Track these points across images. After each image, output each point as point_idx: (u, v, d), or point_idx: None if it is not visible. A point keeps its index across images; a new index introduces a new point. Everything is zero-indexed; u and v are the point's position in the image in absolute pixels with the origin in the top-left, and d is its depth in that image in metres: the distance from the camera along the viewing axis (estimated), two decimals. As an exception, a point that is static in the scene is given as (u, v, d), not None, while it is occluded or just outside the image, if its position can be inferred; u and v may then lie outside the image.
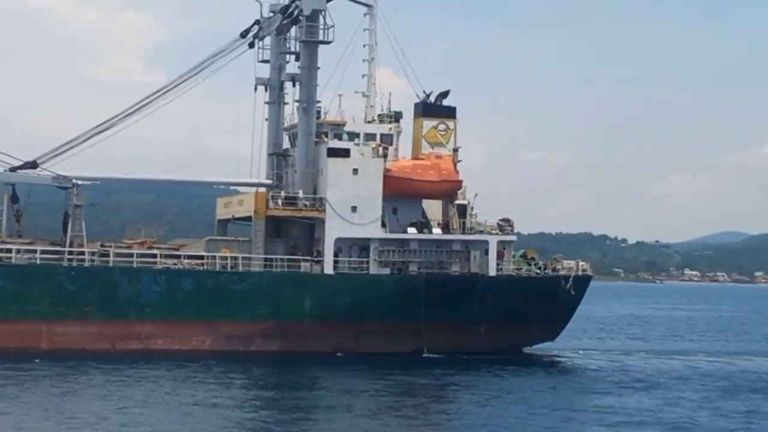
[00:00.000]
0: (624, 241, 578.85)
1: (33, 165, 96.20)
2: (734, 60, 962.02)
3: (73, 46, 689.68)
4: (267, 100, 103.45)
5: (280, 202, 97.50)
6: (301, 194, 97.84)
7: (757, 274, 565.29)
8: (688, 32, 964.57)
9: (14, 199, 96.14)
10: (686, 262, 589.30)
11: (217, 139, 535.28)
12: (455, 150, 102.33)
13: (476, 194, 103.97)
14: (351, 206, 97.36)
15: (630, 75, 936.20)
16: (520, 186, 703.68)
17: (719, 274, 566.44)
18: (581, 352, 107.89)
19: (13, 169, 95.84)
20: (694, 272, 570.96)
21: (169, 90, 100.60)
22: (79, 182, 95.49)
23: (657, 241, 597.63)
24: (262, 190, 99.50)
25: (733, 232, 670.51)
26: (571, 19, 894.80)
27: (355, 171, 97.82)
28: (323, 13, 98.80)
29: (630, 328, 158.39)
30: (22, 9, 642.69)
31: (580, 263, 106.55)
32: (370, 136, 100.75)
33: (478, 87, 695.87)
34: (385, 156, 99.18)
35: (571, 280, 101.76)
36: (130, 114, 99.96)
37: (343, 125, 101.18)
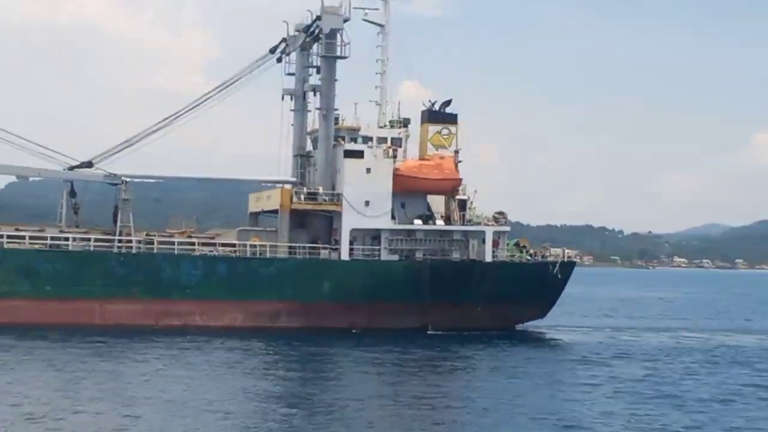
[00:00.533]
0: (621, 232, 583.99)
1: (89, 164, 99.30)
2: (715, 75, 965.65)
3: (145, 60, 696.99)
4: (292, 108, 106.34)
5: (302, 197, 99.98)
6: (320, 190, 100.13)
7: (737, 261, 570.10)
8: (685, 41, 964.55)
9: (72, 194, 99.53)
10: (675, 250, 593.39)
11: (248, 141, 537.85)
12: (456, 152, 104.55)
13: (475, 190, 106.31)
14: (364, 201, 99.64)
15: (629, 84, 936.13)
16: (531, 183, 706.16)
17: (704, 261, 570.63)
18: (585, 329, 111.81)
19: (71, 168, 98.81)
20: (682, 260, 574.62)
21: (208, 98, 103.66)
22: (127, 179, 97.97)
23: (650, 232, 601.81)
24: (288, 186, 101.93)
25: (716, 224, 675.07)
26: (575, 35, 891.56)
27: (368, 170, 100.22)
28: (340, 31, 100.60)
29: (623, 308, 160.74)
30: (101, 30, 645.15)
31: (566, 251, 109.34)
32: (381, 140, 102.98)
33: (493, 95, 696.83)
34: (394, 157, 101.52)
35: (557, 265, 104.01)
36: (176, 119, 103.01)
37: (358, 130, 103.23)
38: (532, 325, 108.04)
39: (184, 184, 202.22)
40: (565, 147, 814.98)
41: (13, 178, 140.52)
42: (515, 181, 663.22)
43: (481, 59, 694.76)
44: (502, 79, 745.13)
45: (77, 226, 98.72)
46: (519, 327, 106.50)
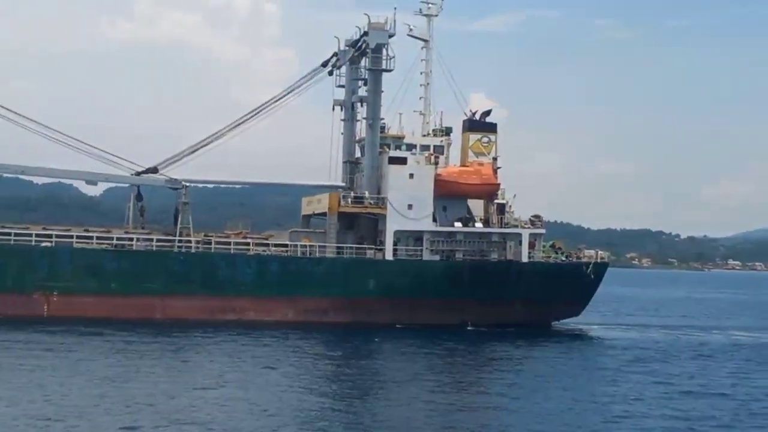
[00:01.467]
0: (677, 236, 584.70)
1: (154, 170, 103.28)
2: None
3: (228, 76, 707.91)
4: (342, 117, 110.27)
5: (349, 200, 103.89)
6: (366, 194, 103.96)
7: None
8: (739, 48, 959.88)
9: (139, 197, 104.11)
10: (730, 253, 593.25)
11: (302, 148, 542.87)
12: (494, 159, 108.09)
13: (515, 195, 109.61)
14: (407, 204, 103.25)
15: (689, 100, 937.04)
16: (593, 191, 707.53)
17: (757, 264, 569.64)
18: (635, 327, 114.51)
19: (138, 174, 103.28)
20: (736, 262, 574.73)
21: (267, 108, 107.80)
22: (188, 184, 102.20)
23: (705, 236, 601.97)
24: (336, 191, 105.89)
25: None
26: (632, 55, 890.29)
27: (411, 175, 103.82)
28: (386, 46, 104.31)
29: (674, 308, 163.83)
30: (188, 48, 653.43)
31: (599, 252, 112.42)
32: (424, 147, 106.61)
33: (557, 108, 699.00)
34: (436, 163, 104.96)
35: (591, 266, 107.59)
36: (236, 126, 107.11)
37: (403, 138, 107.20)
38: (572, 322, 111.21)
39: (266, 189, 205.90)
40: (624, 156, 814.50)
41: (111, 185, 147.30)
42: (577, 189, 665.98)
43: (544, 74, 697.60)
44: (565, 92, 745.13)
45: (143, 228, 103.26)
46: (555, 324, 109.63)
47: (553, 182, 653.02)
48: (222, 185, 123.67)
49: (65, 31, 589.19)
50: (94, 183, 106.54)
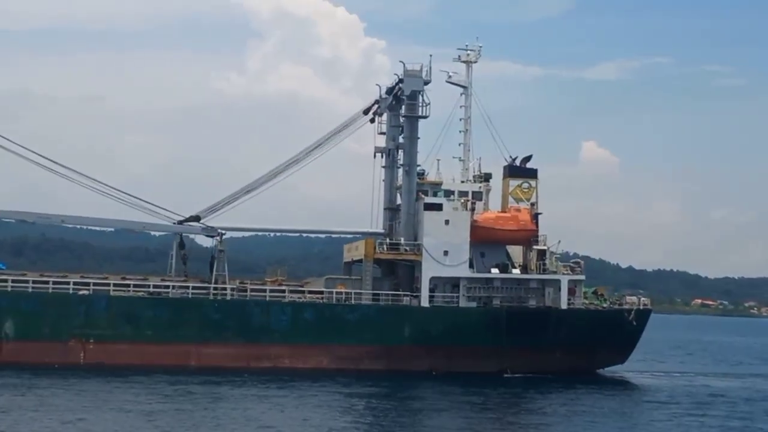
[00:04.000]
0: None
1: (196, 218, 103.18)
2: None
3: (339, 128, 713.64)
4: (383, 164, 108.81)
5: (384, 247, 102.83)
6: (402, 241, 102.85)
7: None
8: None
9: (182, 245, 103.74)
10: None
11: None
12: (532, 204, 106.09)
13: (559, 241, 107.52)
14: (443, 251, 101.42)
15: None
16: (710, 239, 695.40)
17: None
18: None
19: (180, 222, 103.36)
20: None
21: (308, 154, 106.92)
22: (224, 232, 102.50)
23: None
24: (371, 237, 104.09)
25: None
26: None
27: (447, 222, 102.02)
28: (421, 93, 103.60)
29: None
30: (299, 98, 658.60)
31: (642, 299, 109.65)
32: (462, 193, 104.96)
33: (672, 156, 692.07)
34: (472, 210, 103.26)
35: (633, 312, 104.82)
36: (280, 173, 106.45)
37: (440, 184, 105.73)
38: (620, 370, 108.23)
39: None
40: (742, 203, 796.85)
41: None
42: (693, 237, 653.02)
43: (657, 120, 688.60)
44: (679, 139, 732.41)
45: (186, 276, 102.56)
46: (600, 372, 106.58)
47: (669, 231, 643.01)
48: (259, 233, 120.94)
49: (180, 87, 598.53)
50: (133, 231, 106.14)
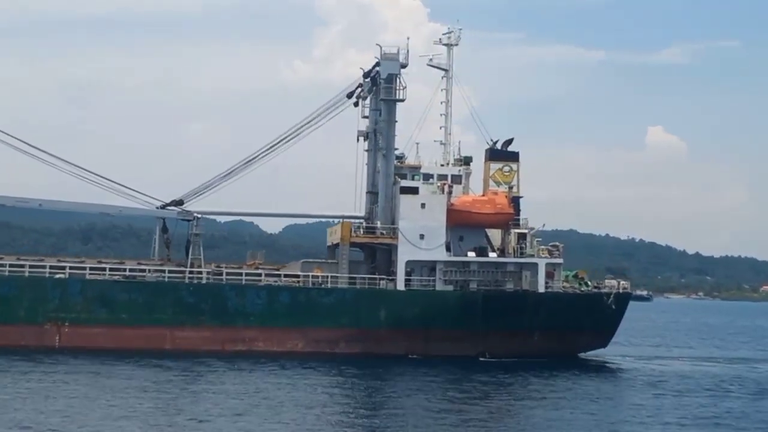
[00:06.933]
0: None
1: (179, 203, 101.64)
2: None
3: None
4: (366, 148, 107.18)
5: (361, 230, 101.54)
6: (379, 224, 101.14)
7: None
8: None
9: (164, 229, 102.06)
10: None
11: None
12: (510, 187, 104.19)
13: (544, 224, 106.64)
14: (419, 234, 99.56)
15: None
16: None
17: None
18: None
19: (162, 207, 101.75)
20: None
21: (289, 139, 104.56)
22: (199, 216, 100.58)
23: None
24: (350, 221, 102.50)
25: None
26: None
27: (423, 205, 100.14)
28: (397, 77, 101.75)
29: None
30: None
31: (621, 282, 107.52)
32: (442, 177, 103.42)
33: (740, 141, 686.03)
34: (449, 193, 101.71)
35: (611, 296, 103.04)
36: (263, 156, 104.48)
37: (419, 168, 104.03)
38: (605, 353, 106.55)
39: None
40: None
41: (290, 221, 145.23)
42: (761, 221, 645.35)
43: (724, 104, 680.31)
44: (741, 123, 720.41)
45: (169, 259, 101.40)
46: (582, 355, 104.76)
47: (736, 216, 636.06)
48: (239, 216, 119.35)
49: (247, 76, 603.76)
50: (111, 215, 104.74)
